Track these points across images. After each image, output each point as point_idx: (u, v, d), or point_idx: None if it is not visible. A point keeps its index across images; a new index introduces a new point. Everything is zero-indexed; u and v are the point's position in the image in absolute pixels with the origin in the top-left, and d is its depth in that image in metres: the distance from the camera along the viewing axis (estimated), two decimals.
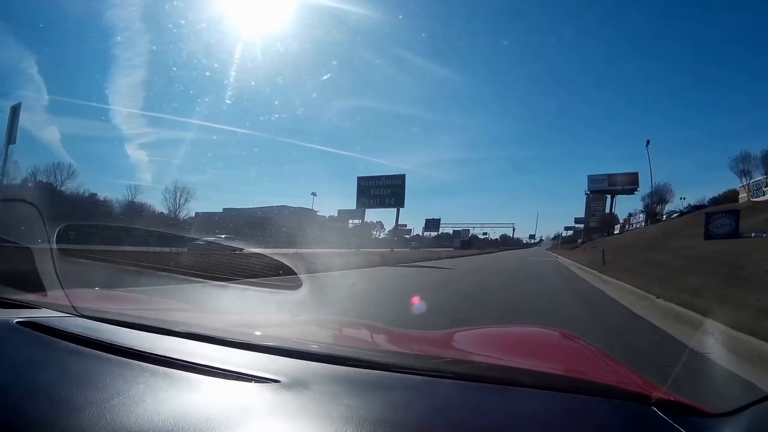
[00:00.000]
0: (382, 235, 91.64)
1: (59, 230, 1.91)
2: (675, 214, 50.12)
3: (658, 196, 58.45)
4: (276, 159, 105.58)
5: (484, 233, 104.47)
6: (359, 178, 48.99)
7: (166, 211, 52.38)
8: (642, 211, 65.31)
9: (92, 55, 66.33)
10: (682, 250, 17.42)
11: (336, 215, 71.56)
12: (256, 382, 0.93)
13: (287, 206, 67.38)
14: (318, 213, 73.21)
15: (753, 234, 19.87)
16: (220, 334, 1.25)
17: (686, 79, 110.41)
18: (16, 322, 1.26)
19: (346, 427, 0.75)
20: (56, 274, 1.72)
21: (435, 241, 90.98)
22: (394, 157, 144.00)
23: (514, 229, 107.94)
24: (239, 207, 68.34)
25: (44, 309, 1.47)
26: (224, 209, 66.85)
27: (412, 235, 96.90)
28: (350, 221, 64.66)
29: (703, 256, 14.40)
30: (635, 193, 71.40)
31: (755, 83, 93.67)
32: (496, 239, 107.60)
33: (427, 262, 25.48)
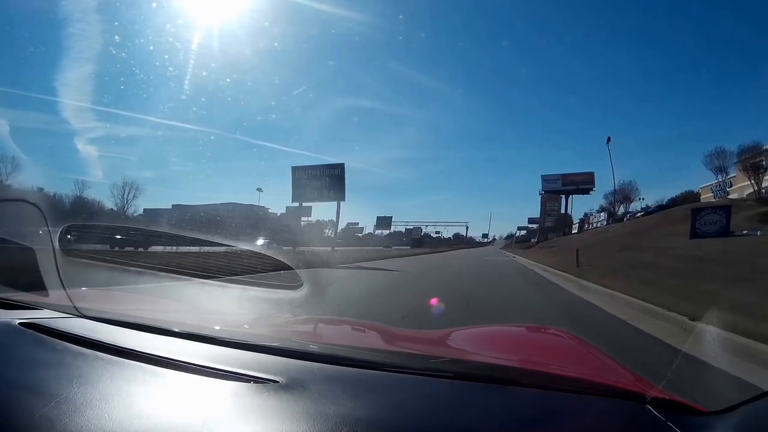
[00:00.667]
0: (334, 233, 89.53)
1: (62, 230, 1.93)
2: (639, 213, 48.05)
3: (623, 194, 56.07)
4: (225, 156, 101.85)
5: (437, 232, 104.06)
6: (294, 169, 44.04)
7: (115, 208, 52.02)
8: (599, 211, 64.56)
9: (40, 45, 60.66)
10: (670, 250, 14.90)
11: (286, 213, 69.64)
12: (255, 382, 0.93)
13: (237, 203, 66.21)
14: (269, 210, 72.43)
15: (745, 231, 17.83)
16: (219, 334, 1.25)
17: (643, 82, 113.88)
18: (18, 323, 1.26)
19: (345, 428, 0.75)
20: (58, 274, 1.67)
21: (388, 239, 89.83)
22: (348, 155, 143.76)
23: (467, 228, 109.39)
24: (188, 204, 65.05)
25: (46, 310, 1.44)
26: (173, 206, 64.42)
27: (364, 233, 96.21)
28: (302, 219, 61.13)
29: (701, 257, 11.77)
30: (591, 193, 71.23)
31: (716, 86, 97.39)
32: (449, 238, 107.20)
33: (372, 262, 22.02)
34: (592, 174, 71.54)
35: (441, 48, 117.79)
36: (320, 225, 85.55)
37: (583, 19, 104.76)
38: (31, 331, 1.22)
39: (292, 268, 2.32)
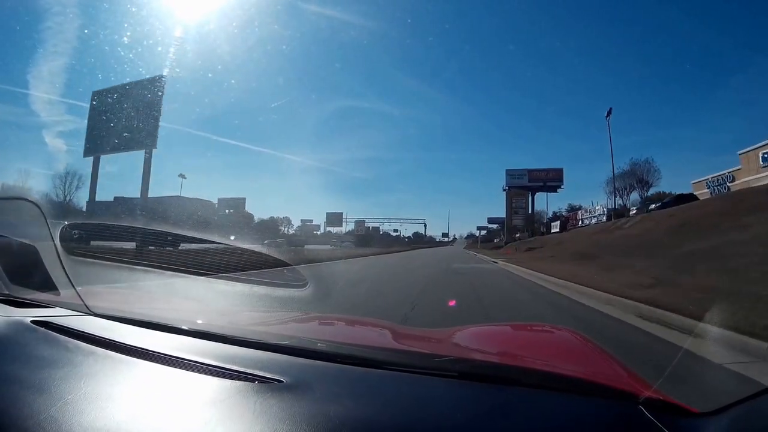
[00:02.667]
0: (291, 231, 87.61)
1: (63, 227, 1.89)
2: (653, 206, 37.37)
3: (635, 178, 43.95)
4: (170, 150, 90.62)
5: (395, 230, 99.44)
6: (94, 93, 28.33)
7: (56, 199, 47.66)
8: (569, 210, 57.36)
9: None
10: None
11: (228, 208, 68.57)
12: (260, 382, 0.93)
13: (182, 197, 59.08)
14: (216, 205, 69.21)
15: None
16: (228, 332, 1.25)
17: (607, 85, 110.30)
18: (30, 321, 1.26)
19: (344, 430, 0.76)
20: (65, 272, 1.67)
21: (348, 237, 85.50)
22: (308, 154, 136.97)
23: (425, 226, 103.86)
24: (131, 197, 56.76)
25: (58, 308, 1.45)
26: (116, 198, 54.87)
27: (321, 232, 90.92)
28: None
29: None
30: (559, 190, 64.50)
31: (683, 92, 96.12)
32: (409, 236, 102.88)
33: (267, 272, 11.92)
34: (560, 170, 64.61)
35: (406, 48, 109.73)
36: (275, 222, 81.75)
37: (545, 21, 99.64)
38: (43, 329, 1.22)
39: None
